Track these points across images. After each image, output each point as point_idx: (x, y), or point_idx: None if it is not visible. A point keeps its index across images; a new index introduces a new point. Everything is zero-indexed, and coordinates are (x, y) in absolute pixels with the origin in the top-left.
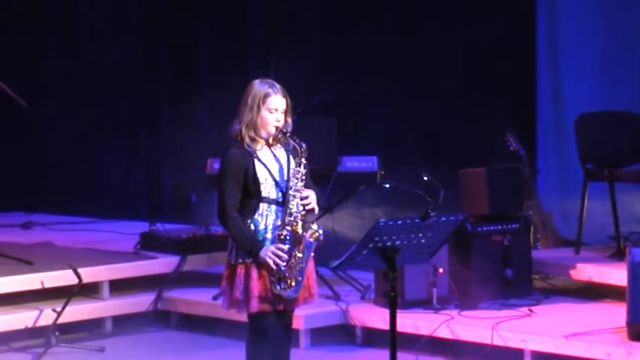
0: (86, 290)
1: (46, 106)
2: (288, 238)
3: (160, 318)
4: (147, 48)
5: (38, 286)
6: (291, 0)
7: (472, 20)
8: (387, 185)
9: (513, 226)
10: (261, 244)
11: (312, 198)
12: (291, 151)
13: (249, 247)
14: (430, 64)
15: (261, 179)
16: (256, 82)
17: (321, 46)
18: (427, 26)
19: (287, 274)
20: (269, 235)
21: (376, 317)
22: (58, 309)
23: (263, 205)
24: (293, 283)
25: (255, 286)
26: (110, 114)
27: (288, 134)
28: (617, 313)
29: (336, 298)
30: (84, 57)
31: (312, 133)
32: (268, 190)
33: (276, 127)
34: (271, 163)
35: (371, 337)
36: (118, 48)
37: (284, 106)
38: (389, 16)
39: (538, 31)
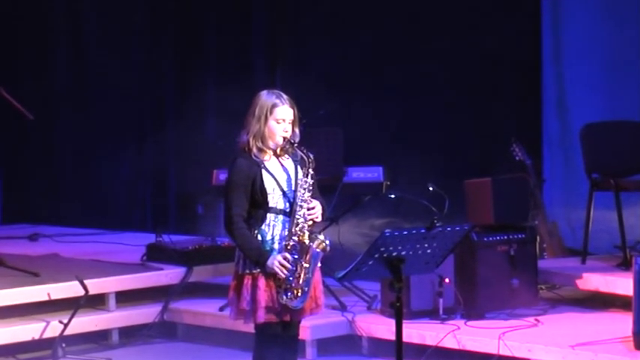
0: (93, 302)
1: (53, 119)
2: (295, 248)
3: (166, 329)
4: (153, 60)
5: (45, 298)
6: (296, 10)
7: (477, 30)
8: (393, 196)
9: (519, 236)
10: (268, 254)
11: (317, 209)
12: (298, 162)
13: (256, 257)
14: (435, 74)
15: (269, 189)
16: (264, 93)
17: (326, 56)
18: (432, 36)
19: (293, 284)
20: (276, 246)
21: (382, 327)
22: (65, 320)
23: (270, 216)
24: (299, 294)
25: (262, 297)
26: (116, 126)
27: (296, 144)
28: (623, 322)
29: (343, 308)
30: (90, 70)
31: (317, 143)
32: (276, 200)
33: (284, 138)
34: (279, 174)
35: (377, 348)
36: (124, 61)
37: (291, 117)
38: (393, 26)
39: (543, 41)
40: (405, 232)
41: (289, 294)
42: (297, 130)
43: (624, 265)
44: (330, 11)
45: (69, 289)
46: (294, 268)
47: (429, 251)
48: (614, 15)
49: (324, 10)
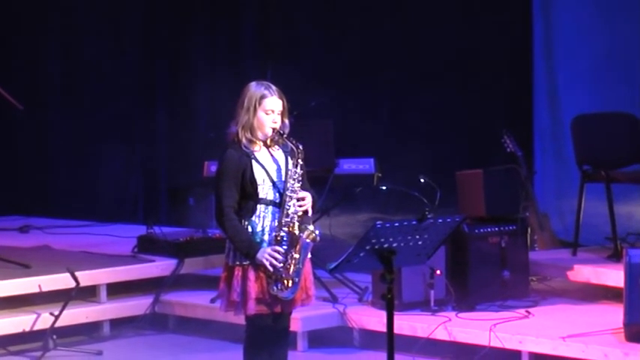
0: (84, 293)
1: (44, 110)
2: (284, 239)
3: (157, 321)
4: (144, 53)
5: (36, 290)
6: (288, 4)
7: (468, 22)
8: (384, 187)
9: (510, 227)
10: (258, 246)
11: (307, 200)
12: (288, 153)
13: (247, 249)
14: (426, 65)
15: (259, 180)
16: (252, 84)
17: (318, 49)
18: (423, 29)
19: (284, 275)
20: (266, 237)
21: (374, 319)
22: (56, 312)
23: (260, 207)
24: (290, 284)
25: (253, 288)
26: (107, 118)
27: (285, 135)
28: (614, 314)
29: (334, 300)
30: (82, 61)
31: (308, 135)
32: (266, 191)
33: (273, 129)
34: (269, 164)
35: (369, 340)
36: (115, 53)
37: (280, 108)
38: (385, 19)
39: (534, 33)
40: (397, 224)
41: (279, 285)
42: (286, 121)
43: (615, 257)
44: (321, 3)
45: (60, 280)
46: (285, 259)
47: (420, 243)
48: (606, 8)
49: (315, 2)
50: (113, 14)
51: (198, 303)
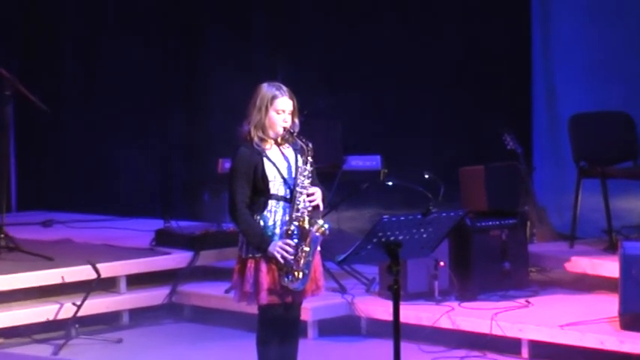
0: (104, 285)
1: (66, 109)
2: (295, 232)
3: (174, 311)
4: (160, 50)
5: (59, 281)
6: (295, 7)
7: (469, 22)
8: (390, 183)
9: (511, 221)
10: (270, 239)
11: (317, 195)
12: (298, 150)
13: (259, 242)
14: (429, 65)
15: (270, 177)
16: (264, 85)
17: (325, 50)
18: (426, 28)
19: (294, 267)
20: (277, 231)
21: (380, 309)
22: (78, 303)
23: (272, 202)
24: (300, 276)
25: (265, 280)
26: (125, 115)
27: (296, 134)
28: (609, 303)
29: (342, 291)
30: (100, 58)
31: (318, 134)
32: (277, 187)
33: (284, 128)
34: (280, 162)
35: (376, 328)
36: (132, 50)
37: (291, 108)
38: (389, 19)
39: (533, 32)
40: (402, 218)
41: (290, 276)
42: (296, 121)
43: (611, 249)
44: (327, 4)
45: (82, 272)
46: (295, 252)
47: (424, 236)
48: (602, 11)
49: (321, 3)
50: (129, 17)
51: (212, 294)
